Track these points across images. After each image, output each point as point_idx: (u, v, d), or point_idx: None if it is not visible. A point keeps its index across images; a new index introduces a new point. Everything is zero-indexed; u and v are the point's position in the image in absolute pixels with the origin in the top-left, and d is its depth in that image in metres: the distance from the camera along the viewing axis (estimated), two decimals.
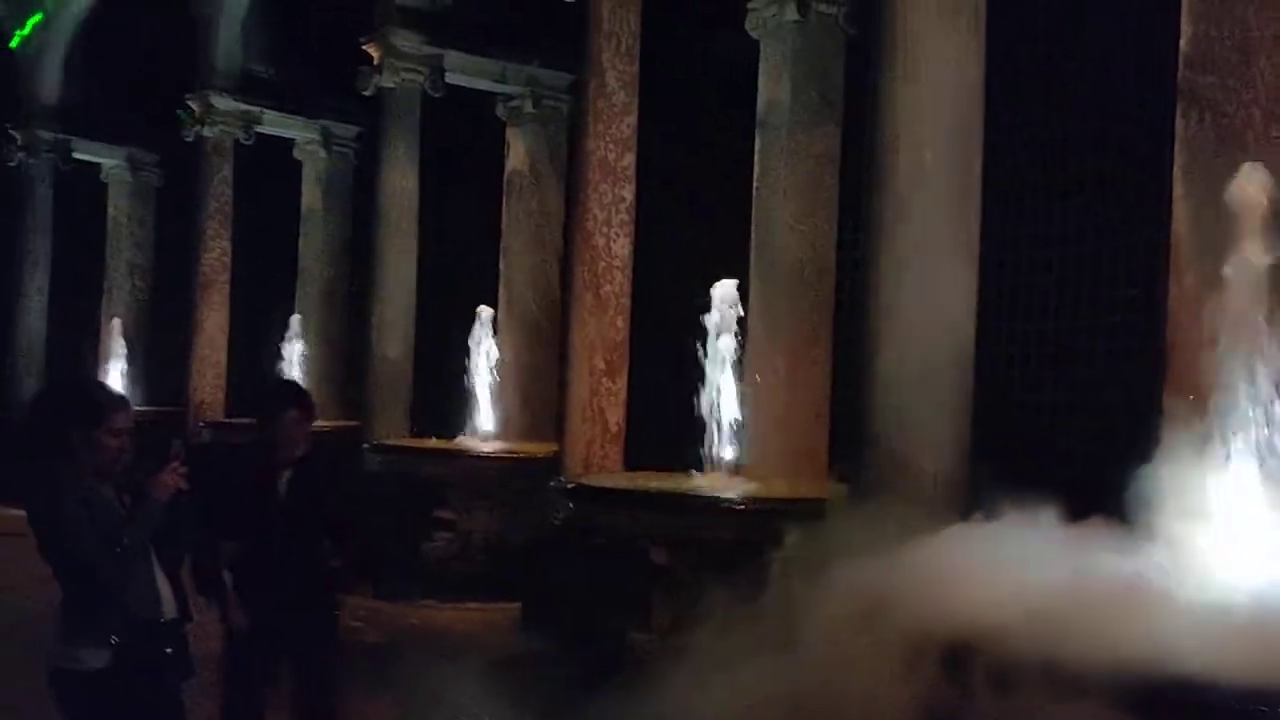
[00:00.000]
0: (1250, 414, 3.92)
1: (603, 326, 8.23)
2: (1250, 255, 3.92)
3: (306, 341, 13.22)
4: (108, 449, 3.87)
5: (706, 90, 10.11)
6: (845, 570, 4.38)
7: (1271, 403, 3.90)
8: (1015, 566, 3.93)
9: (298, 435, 4.97)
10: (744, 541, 6.25)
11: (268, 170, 14.31)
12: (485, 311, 10.67)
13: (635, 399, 8.39)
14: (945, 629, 3.68)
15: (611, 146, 8.25)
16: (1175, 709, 3.07)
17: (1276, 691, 2.95)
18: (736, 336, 7.30)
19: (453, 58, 11.19)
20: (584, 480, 7.59)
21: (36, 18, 15.70)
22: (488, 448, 10.38)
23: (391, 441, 10.61)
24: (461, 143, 12.37)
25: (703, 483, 7.16)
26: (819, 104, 8.46)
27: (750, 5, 8.63)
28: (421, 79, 11.16)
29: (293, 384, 6.50)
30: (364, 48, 11.17)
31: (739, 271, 7.74)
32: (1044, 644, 3.32)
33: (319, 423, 5.72)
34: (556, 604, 7.81)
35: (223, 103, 13.51)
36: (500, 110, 11.53)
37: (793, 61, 8.42)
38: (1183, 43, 4.83)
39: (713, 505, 6.65)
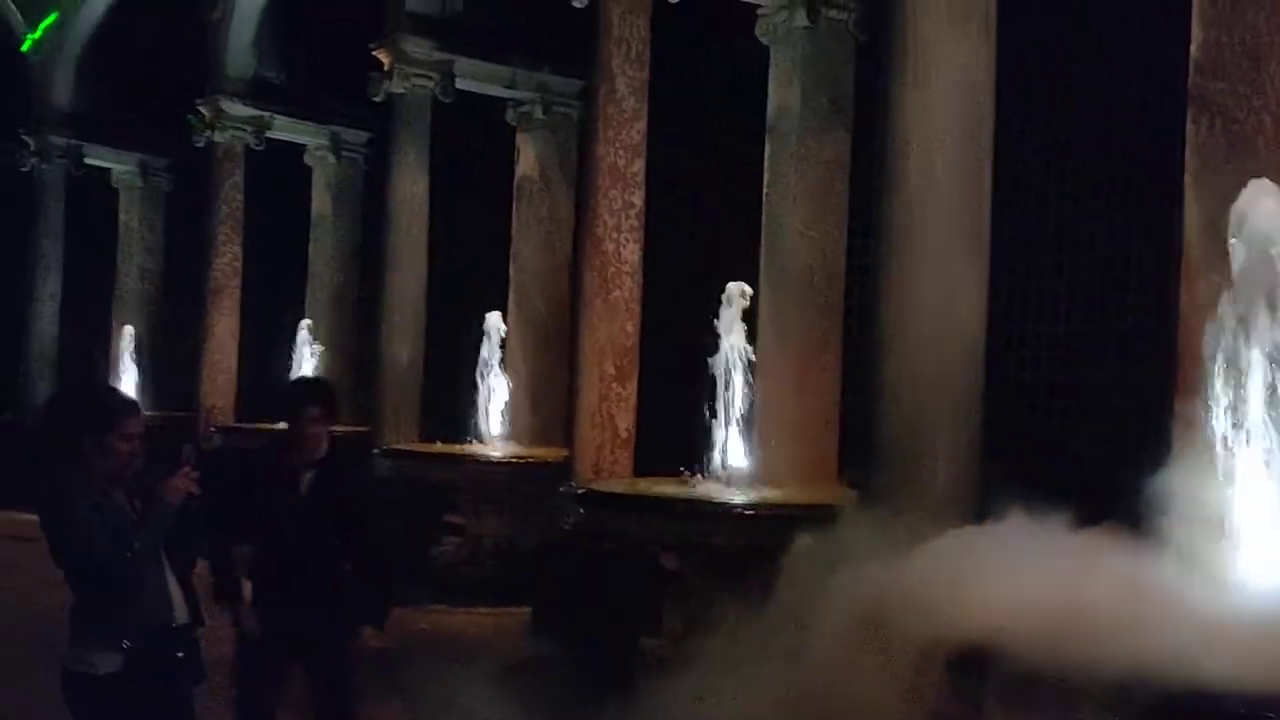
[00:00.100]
0: (1262, 418, 3.91)
1: (612, 332, 8.24)
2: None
3: (316, 347, 13.24)
4: (119, 454, 3.88)
5: (715, 95, 10.12)
6: (855, 575, 4.37)
7: None
8: (1026, 572, 3.92)
9: (318, 434, 4.87)
10: (754, 547, 6.24)
11: (278, 176, 14.35)
12: (495, 317, 10.68)
13: (645, 404, 8.39)
14: (954, 635, 3.68)
15: (621, 152, 8.26)
16: (1187, 717, 3.06)
17: None
18: (746, 342, 7.30)
19: (463, 64, 11.21)
20: (594, 485, 7.60)
21: (48, 20, 15.76)
22: (497, 453, 10.39)
23: (401, 446, 10.63)
24: (471, 148, 12.39)
25: (713, 488, 7.16)
26: (829, 110, 8.46)
27: (760, 11, 8.64)
28: (432, 85, 11.18)
29: (314, 381, 6.39)
30: (374, 54, 11.20)
31: (749, 277, 7.74)
32: (1054, 651, 3.31)
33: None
34: (567, 609, 7.82)
35: (233, 108, 13.56)
36: (510, 116, 11.55)
37: (803, 67, 8.43)
38: (1193, 48, 4.82)
39: (723, 511, 6.65)
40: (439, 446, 10.62)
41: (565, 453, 8.67)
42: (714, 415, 7.27)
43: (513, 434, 10.81)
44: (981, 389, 5.57)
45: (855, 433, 7.30)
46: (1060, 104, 7.22)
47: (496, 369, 10.65)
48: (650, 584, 6.65)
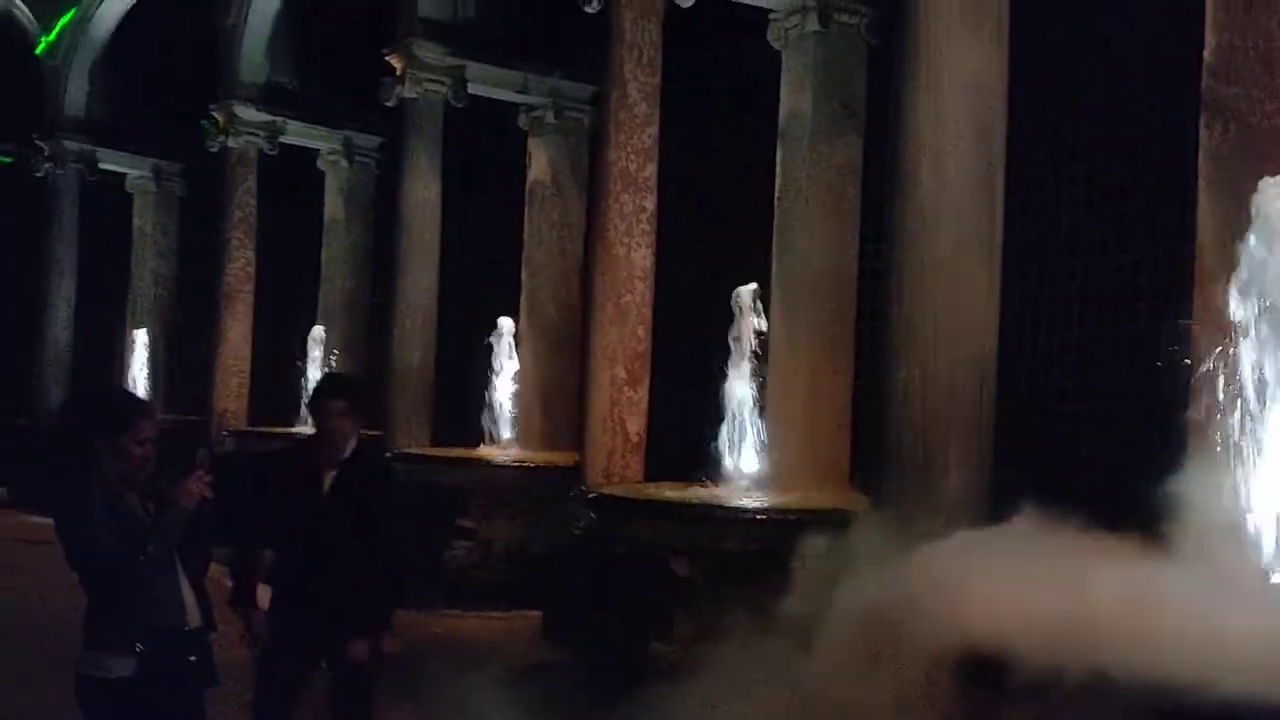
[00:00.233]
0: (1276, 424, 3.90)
1: (623, 336, 8.24)
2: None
3: (329, 351, 13.27)
4: (133, 457, 3.90)
5: (726, 99, 10.12)
6: (865, 580, 4.37)
7: None
8: (1036, 576, 3.92)
9: (343, 429, 4.75)
10: (765, 552, 6.25)
11: (291, 181, 14.40)
12: (507, 321, 10.70)
13: (656, 408, 8.39)
14: (964, 641, 3.67)
15: (633, 157, 8.27)
16: None
17: None
18: (759, 346, 7.30)
19: (475, 69, 11.24)
20: (605, 490, 7.60)
21: (62, 23, 15.84)
22: (509, 457, 10.40)
23: (413, 450, 10.64)
24: (483, 153, 12.42)
25: (724, 493, 7.16)
26: (841, 114, 8.47)
27: (772, 16, 8.64)
28: (444, 90, 11.22)
29: (341, 376, 6.36)
30: (387, 59, 11.23)
31: (760, 282, 7.74)
32: (1065, 657, 3.30)
33: None
34: (578, 614, 7.82)
35: (247, 113, 13.61)
36: (522, 121, 11.58)
37: (814, 72, 8.44)
38: (1206, 53, 4.82)
39: (734, 516, 6.65)
40: (451, 450, 10.63)
41: (576, 457, 8.68)
42: (725, 420, 7.28)
43: (524, 438, 10.82)
44: (993, 393, 5.57)
45: (867, 437, 7.29)
46: (1071, 108, 7.21)
47: (508, 373, 10.66)
48: (661, 589, 6.65)
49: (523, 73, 11.27)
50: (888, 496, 5.52)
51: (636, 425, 8.22)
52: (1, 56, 16.73)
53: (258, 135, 13.74)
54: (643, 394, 8.27)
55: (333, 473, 4.76)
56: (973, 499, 5.39)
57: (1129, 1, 6.81)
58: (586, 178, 11.10)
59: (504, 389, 10.68)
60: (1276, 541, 3.94)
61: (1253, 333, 3.93)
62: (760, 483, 7.37)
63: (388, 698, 5.19)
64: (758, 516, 6.60)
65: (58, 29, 15.94)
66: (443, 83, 11.19)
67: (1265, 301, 3.95)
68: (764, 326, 7.47)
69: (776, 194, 8.61)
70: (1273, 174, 4.19)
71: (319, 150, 14.18)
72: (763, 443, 7.41)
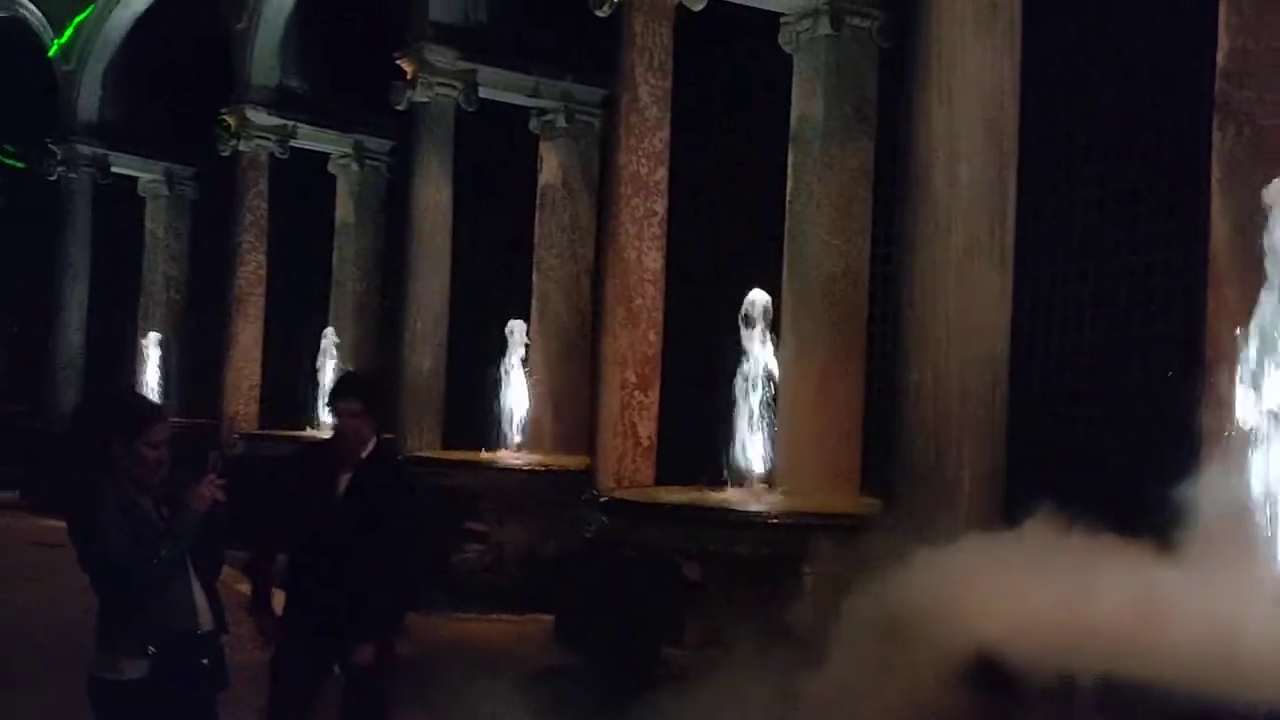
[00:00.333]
0: None
1: (634, 340, 8.23)
2: None
3: (339, 354, 13.30)
4: (146, 460, 3.90)
5: (737, 102, 10.12)
6: (876, 585, 4.36)
7: None
8: (1048, 581, 3.90)
9: (357, 428, 4.74)
10: (777, 556, 6.24)
11: (302, 184, 14.44)
12: (517, 324, 10.70)
13: (667, 412, 8.38)
14: (976, 645, 3.65)
15: (644, 161, 8.27)
16: None
17: None
18: (770, 350, 7.28)
19: (486, 73, 11.26)
20: (616, 494, 7.59)
21: (76, 21, 15.90)
22: (519, 460, 10.40)
23: (424, 453, 10.65)
24: (494, 157, 12.43)
25: (735, 497, 7.14)
26: (852, 118, 8.46)
27: (783, 19, 8.64)
28: (455, 94, 11.23)
29: (356, 375, 6.32)
30: (398, 63, 11.25)
31: (771, 285, 7.73)
32: (1077, 663, 3.29)
33: None
34: (589, 618, 7.81)
35: (258, 117, 13.64)
36: (533, 124, 11.60)
37: (826, 75, 8.43)
38: (1220, 56, 4.81)
39: (745, 520, 6.63)
40: (462, 454, 10.64)
41: (587, 460, 8.67)
42: (736, 423, 7.26)
43: (534, 441, 10.83)
44: (1005, 396, 5.55)
45: (878, 440, 7.28)
46: (1084, 110, 7.19)
47: (518, 376, 10.66)
48: (672, 593, 6.64)
49: (534, 77, 11.28)
50: (899, 500, 5.50)
51: (647, 429, 8.22)
52: (15, 61, 16.80)
53: (269, 139, 13.78)
54: (653, 398, 8.26)
55: (349, 474, 4.74)
56: (985, 502, 5.38)
57: (1142, 4, 6.79)
58: (597, 181, 11.11)
59: (515, 392, 10.68)
60: None
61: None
62: (772, 486, 7.35)
63: (399, 702, 5.19)
64: (769, 521, 6.58)
65: (70, 31, 15.99)
66: (454, 86, 11.21)
67: None
68: (775, 330, 7.45)
69: (788, 197, 8.60)
70: None
71: (330, 154, 14.22)
72: (774, 446, 7.39)
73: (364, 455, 4.77)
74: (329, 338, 13.42)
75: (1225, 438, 4.04)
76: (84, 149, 16.10)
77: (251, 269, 13.76)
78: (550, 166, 11.54)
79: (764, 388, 7.31)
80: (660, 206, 8.34)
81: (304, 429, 12.80)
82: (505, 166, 12.33)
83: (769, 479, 7.44)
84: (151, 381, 15.64)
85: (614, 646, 7.22)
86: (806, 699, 4.36)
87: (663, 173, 8.35)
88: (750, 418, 7.26)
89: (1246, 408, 3.98)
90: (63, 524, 3.96)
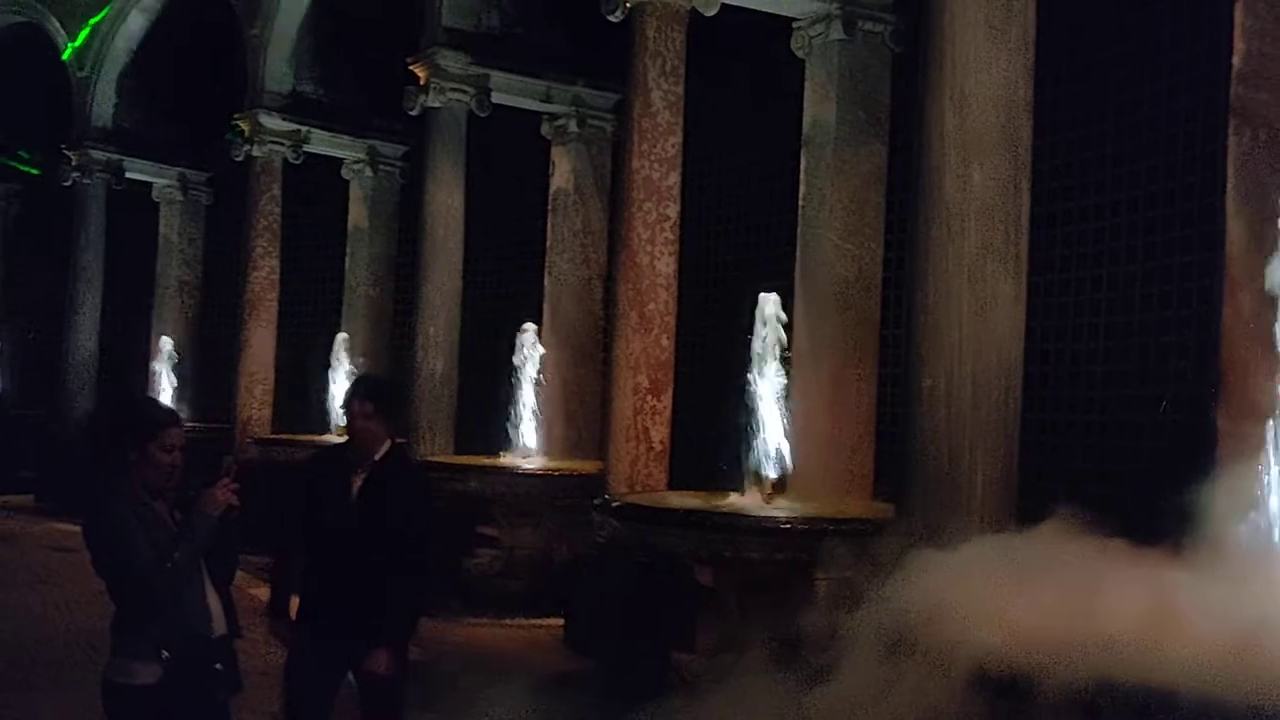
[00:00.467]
0: None
1: (647, 344, 8.23)
2: None
3: (352, 358, 13.32)
4: (161, 465, 3.92)
5: (749, 106, 10.11)
6: (890, 591, 4.34)
7: None
8: (1063, 586, 3.88)
9: (371, 431, 4.73)
10: (789, 562, 6.22)
11: (315, 189, 14.47)
12: (530, 329, 10.71)
13: (679, 417, 8.38)
14: (991, 652, 3.64)
15: (656, 165, 8.27)
16: None
17: None
18: (782, 354, 7.27)
19: (498, 78, 11.27)
20: (628, 499, 7.58)
21: (91, 23, 15.96)
22: (532, 465, 10.40)
23: (436, 458, 10.66)
24: (507, 161, 12.45)
25: (747, 502, 7.13)
26: (865, 122, 8.46)
27: (795, 24, 8.64)
28: (467, 99, 11.25)
29: (370, 378, 6.32)
30: (411, 68, 11.28)
31: (783, 290, 7.72)
32: (1091, 668, 3.27)
33: None
34: (601, 623, 7.80)
35: (271, 122, 13.69)
36: (545, 129, 11.61)
37: (838, 80, 8.43)
38: (1235, 59, 4.79)
39: (757, 525, 6.62)
40: (474, 458, 10.64)
41: (599, 465, 8.67)
42: (749, 428, 7.25)
43: (547, 446, 10.82)
44: (1019, 403, 5.52)
45: (891, 445, 7.26)
46: (1099, 114, 7.16)
47: (531, 381, 10.67)
48: (684, 598, 6.63)
49: (546, 81, 11.30)
50: (912, 505, 5.48)
51: (660, 434, 8.21)
52: (29, 66, 16.88)
53: (282, 144, 13.82)
54: (666, 402, 8.26)
55: (362, 476, 4.75)
56: (999, 508, 5.35)
57: (1157, 7, 6.76)
58: (609, 186, 11.13)
59: (527, 397, 10.68)
60: None
61: None
62: (785, 491, 7.33)
63: (411, 707, 5.18)
64: (782, 526, 6.57)
65: (84, 34, 16.06)
66: (466, 91, 11.23)
67: None
68: (787, 335, 7.44)
69: (800, 202, 8.59)
70: None
71: (343, 159, 14.25)
72: (787, 451, 7.38)
73: (377, 458, 4.77)
74: (341, 342, 13.44)
75: (1244, 442, 4.01)
76: (98, 154, 16.17)
77: (264, 274, 13.80)
78: (562, 171, 11.55)
79: (777, 392, 7.29)
80: (673, 211, 8.34)
81: (317, 433, 12.82)
82: (517, 171, 12.35)
83: (782, 484, 7.42)
84: (165, 386, 15.69)
85: (625, 652, 7.21)
86: (818, 706, 4.34)
87: (675, 177, 8.35)
88: (763, 422, 7.24)
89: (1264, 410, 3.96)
90: (78, 528, 3.97)
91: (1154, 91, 6.77)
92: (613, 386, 8.37)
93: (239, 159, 13.96)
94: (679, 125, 8.35)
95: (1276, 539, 3.93)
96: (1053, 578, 4.00)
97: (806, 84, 8.62)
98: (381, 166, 14.21)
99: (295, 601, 4.80)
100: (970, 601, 3.97)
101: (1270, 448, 3.90)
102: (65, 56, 16.28)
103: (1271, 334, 3.93)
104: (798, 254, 8.56)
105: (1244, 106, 4.71)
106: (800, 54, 8.66)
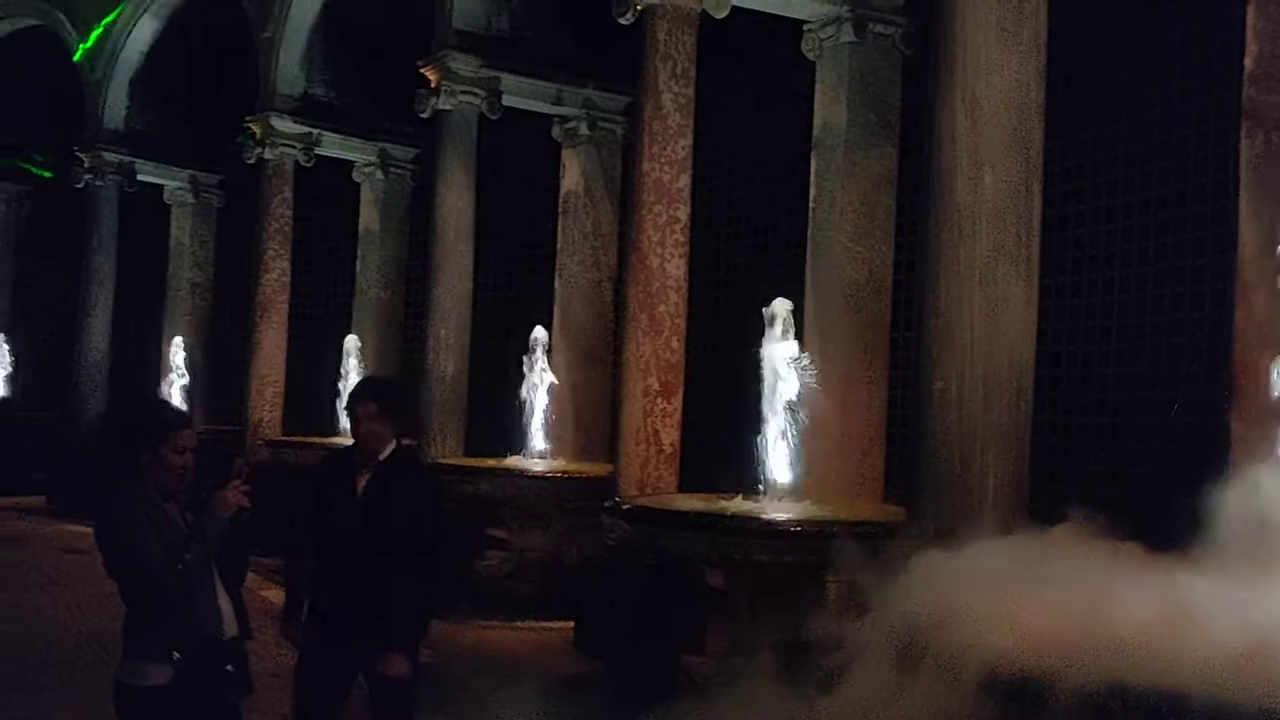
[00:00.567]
0: None
1: (657, 347, 8.23)
2: None
3: (363, 361, 13.35)
4: (173, 466, 3.93)
5: (759, 109, 10.11)
6: (901, 594, 4.33)
7: None
8: (1075, 590, 3.87)
9: (375, 432, 4.75)
10: (800, 564, 6.22)
11: (326, 192, 14.51)
12: (540, 331, 10.72)
13: (690, 419, 8.37)
14: (1004, 656, 3.63)
15: (666, 167, 8.27)
16: None
17: None
18: (793, 357, 7.26)
19: (509, 80, 11.29)
20: (638, 501, 7.58)
21: (102, 26, 16.01)
22: (542, 467, 10.40)
23: (447, 460, 10.67)
24: (517, 164, 12.47)
25: (758, 505, 7.12)
26: (876, 124, 8.45)
27: (806, 27, 8.63)
28: (478, 101, 11.27)
29: (375, 379, 6.35)
30: (422, 71, 11.29)
31: (794, 292, 7.71)
32: (1104, 671, 3.26)
33: None
34: (611, 625, 7.80)
35: (283, 125, 13.72)
36: (556, 132, 11.63)
37: (849, 82, 8.42)
38: (1247, 61, 4.77)
39: (768, 528, 6.61)
40: (484, 460, 10.65)
41: (610, 467, 8.67)
42: (759, 430, 7.24)
43: (557, 449, 10.82)
44: (1030, 405, 5.51)
45: (902, 448, 7.24)
46: (1111, 116, 7.15)
47: (541, 383, 10.67)
48: (695, 601, 6.62)
49: (556, 84, 11.32)
50: (924, 508, 5.47)
51: (670, 436, 8.20)
52: (41, 70, 16.95)
53: (294, 147, 13.85)
54: (676, 405, 8.25)
55: (367, 477, 4.76)
56: (1010, 511, 5.34)
57: (1169, 9, 6.74)
58: (620, 188, 11.13)
59: (537, 399, 10.69)
60: None
61: None
62: (795, 494, 7.32)
63: (422, 709, 5.18)
64: (793, 529, 6.56)
65: (97, 33, 16.11)
66: (477, 94, 11.24)
67: None
68: (798, 337, 7.43)
69: (810, 204, 8.59)
70: None
71: (355, 162, 14.28)
72: (797, 454, 7.37)
73: (382, 458, 4.78)
74: (352, 344, 13.47)
75: (1257, 445, 3.99)
76: (110, 157, 16.22)
77: (276, 276, 13.83)
78: (572, 173, 11.56)
79: (787, 395, 7.28)
80: (683, 213, 8.34)
81: (327, 435, 12.84)
82: (528, 174, 12.37)
83: (792, 486, 7.41)
84: (175, 388, 15.73)
85: (635, 654, 7.20)
86: (829, 710, 4.34)
87: (686, 180, 8.35)
88: (773, 425, 7.23)
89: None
90: (89, 530, 3.98)
91: (1166, 94, 6.75)
92: (623, 389, 8.37)
93: (250, 162, 14.00)
94: (690, 128, 8.35)
95: None
96: (1064, 581, 3.98)
97: (817, 86, 8.62)
98: (392, 169, 14.24)
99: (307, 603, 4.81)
100: (981, 605, 3.95)
101: None
102: (77, 58, 16.33)
103: None
104: (808, 256, 8.56)
105: (1256, 109, 4.70)
106: (811, 56, 8.66)
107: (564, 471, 10.21)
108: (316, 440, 12.54)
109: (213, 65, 15.18)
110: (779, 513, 6.88)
